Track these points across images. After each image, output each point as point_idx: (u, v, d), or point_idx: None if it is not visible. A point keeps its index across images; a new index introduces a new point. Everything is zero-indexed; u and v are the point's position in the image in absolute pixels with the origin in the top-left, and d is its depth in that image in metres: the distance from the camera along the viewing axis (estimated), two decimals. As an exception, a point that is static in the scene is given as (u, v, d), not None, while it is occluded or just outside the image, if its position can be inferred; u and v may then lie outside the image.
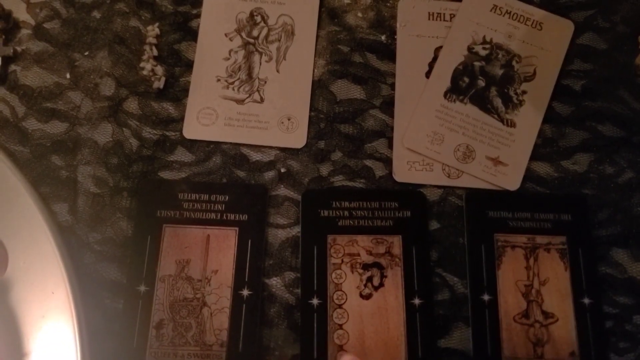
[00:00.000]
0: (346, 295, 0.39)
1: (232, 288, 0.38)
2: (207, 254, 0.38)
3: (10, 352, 0.37)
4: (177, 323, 0.37)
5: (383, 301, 0.38)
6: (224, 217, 0.39)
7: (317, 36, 0.45)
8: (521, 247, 0.39)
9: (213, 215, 0.39)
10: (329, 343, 0.38)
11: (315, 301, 0.39)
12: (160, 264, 0.38)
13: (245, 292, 0.38)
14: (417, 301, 0.38)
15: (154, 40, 0.44)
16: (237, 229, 0.39)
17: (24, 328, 0.38)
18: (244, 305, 0.38)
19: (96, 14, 0.45)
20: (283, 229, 0.41)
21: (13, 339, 0.37)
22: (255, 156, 0.42)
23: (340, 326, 0.38)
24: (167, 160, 0.42)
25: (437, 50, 0.44)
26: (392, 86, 0.44)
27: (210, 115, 0.43)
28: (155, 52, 0.44)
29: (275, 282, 0.40)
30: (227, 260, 0.38)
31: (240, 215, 0.39)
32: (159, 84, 0.43)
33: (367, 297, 0.39)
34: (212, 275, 0.38)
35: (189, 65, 0.44)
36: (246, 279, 0.38)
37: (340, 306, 0.39)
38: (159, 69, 0.43)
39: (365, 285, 0.39)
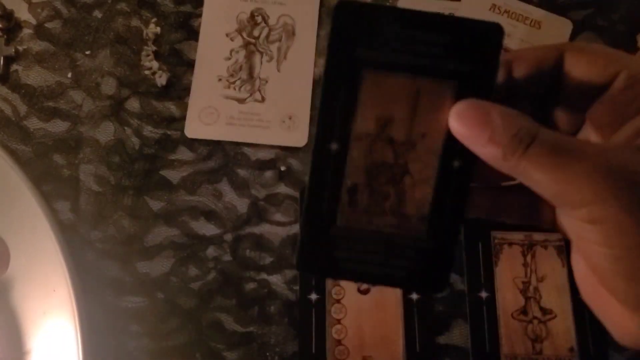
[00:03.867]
0: (344, 290, 0.39)
1: (440, 157, 0.30)
2: (415, 113, 0.30)
3: (12, 349, 0.38)
4: (374, 189, 0.31)
5: (381, 296, 0.39)
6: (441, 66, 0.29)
7: (318, 35, 0.45)
8: (518, 245, 0.40)
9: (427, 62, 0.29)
10: (327, 338, 0.38)
11: (313, 296, 0.39)
12: (357, 119, 0.30)
13: (456, 164, 0.30)
14: (414, 296, 0.39)
15: (152, 36, 0.44)
16: (456, 83, 0.29)
17: (26, 325, 0.38)
18: (452, 177, 0.30)
19: (97, 14, 0.45)
20: (283, 227, 0.41)
21: (14, 337, 0.38)
22: (256, 155, 0.43)
23: (339, 321, 0.38)
24: (168, 159, 0.42)
25: (437, 49, 0.44)
26: (392, 85, 0.44)
27: (212, 115, 0.43)
28: (153, 47, 0.44)
29: (275, 280, 0.40)
30: (439, 123, 0.30)
31: (463, 65, 0.29)
32: (161, 80, 0.43)
33: (365, 292, 0.39)
34: (419, 139, 0.30)
35: (190, 65, 0.44)
36: (459, 149, 0.29)
37: (338, 301, 0.39)
38: (156, 64, 0.43)
39: (364, 280, 0.39)
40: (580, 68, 0.28)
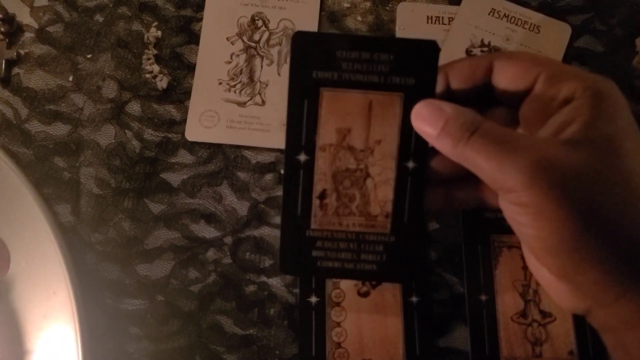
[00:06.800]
0: (344, 293, 0.39)
1: (396, 160, 0.34)
2: (370, 123, 0.34)
3: (12, 351, 0.38)
4: (341, 193, 0.34)
5: (381, 299, 0.39)
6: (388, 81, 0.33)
7: (318, 39, 0.45)
8: (517, 248, 0.40)
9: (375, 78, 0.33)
10: (327, 341, 0.38)
11: (313, 299, 0.39)
12: (320, 131, 0.34)
13: (411, 165, 0.33)
14: (414, 299, 0.39)
15: (153, 40, 0.44)
16: (402, 94, 0.33)
17: (26, 327, 0.38)
18: (409, 178, 0.34)
19: (99, 18, 0.45)
20: (283, 230, 0.41)
21: (14, 339, 0.38)
22: (256, 158, 0.43)
23: (339, 324, 0.39)
24: (169, 162, 0.43)
25: (436, 53, 0.45)
26: (392, 89, 0.44)
27: (212, 118, 0.43)
28: (154, 51, 0.44)
29: (275, 282, 0.40)
30: (392, 130, 0.33)
31: (406, 78, 0.33)
32: (162, 83, 0.43)
33: (365, 294, 0.39)
34: (376, 145, 0.34)
35: (191, 69, 0.44)
36: (412, 151, 0.33)
37: (338, 304, 0.39)
38: (156, 68, 0.44)
39: (363, 283, 0.39)
40: (506, 74, 0.32)
